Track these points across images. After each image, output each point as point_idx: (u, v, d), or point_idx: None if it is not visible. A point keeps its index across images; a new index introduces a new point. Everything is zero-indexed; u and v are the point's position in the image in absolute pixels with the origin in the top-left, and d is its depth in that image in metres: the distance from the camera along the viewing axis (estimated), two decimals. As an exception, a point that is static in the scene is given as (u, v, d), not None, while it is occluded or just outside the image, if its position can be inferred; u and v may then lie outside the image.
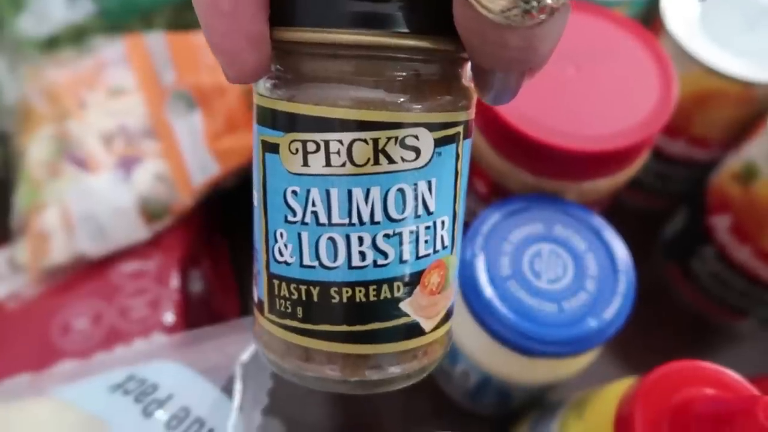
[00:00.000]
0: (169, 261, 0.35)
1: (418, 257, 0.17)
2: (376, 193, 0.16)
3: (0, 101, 0.41)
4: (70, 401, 0.25)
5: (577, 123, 0.28)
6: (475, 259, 0.27)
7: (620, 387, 0.26)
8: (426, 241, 0.17)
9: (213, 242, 0.40)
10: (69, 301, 0.33)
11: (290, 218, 0.17)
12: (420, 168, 0.16)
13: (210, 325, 0.30)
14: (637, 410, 0.22)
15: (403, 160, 0.16)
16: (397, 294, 0.17)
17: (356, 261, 0.17)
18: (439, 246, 0.18)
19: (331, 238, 0.16)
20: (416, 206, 0.17)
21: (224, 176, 0.36)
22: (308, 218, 0.17)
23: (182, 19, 0.43)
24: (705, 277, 0.40)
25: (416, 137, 0.16)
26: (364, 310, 0.17)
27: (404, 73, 0.16)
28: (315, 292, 0.17)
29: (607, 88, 0.30)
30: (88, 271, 0.34)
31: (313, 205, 0.16)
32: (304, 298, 0.17)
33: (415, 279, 0.17)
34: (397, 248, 0.17)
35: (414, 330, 0.18)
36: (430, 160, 0.16)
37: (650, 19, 0.39)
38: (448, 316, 0.19)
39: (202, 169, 0.36)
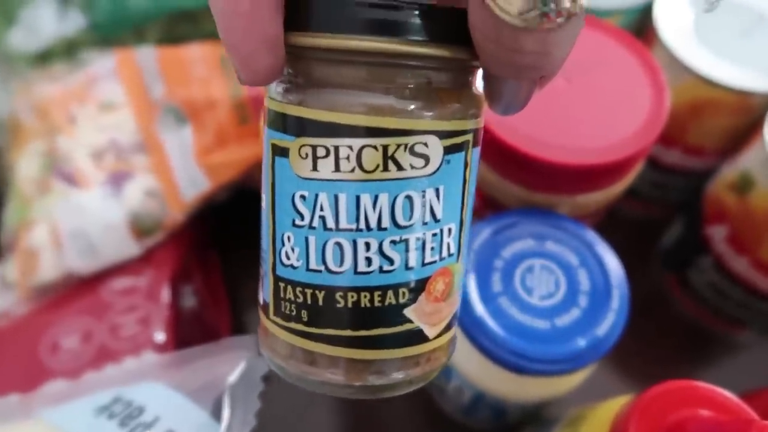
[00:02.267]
0: (161, 277, 0.35)
1: (423, 264, 0.17)
2: (384, 200, 0.16)
3: (-10, 116, 0.41)
4: (56, 424, 0.25)
5: (569, 136, 0.28)
6: (466, 276, 0.27)
7: (615, 405, 0.25)
8: (432, 248, 0.17)
9: (205, 257, 0.40)
10: (58, 318, 0.33)
11: (298, 222, 0.17)
12: (429, 175, 0.16)
13: (202, 339, 0.29)
14: (631, 430, 0.21)
15: (412, 167, 0.16)
16: (401, 300, 0.17)
17: (362, 266, 0.17)
18: (445, 253, 0.18)
19: (338, 243, 0.17)
20: (424, 213, 0.17)
21: (215, 191, 0.36)
22: (316, 223, 0.17)
23: (174, 32, 0.43)
24: (703, 287, 0.40)
25: (426, 144, 0.16)
26: (369, 316, 0.17)
27: (415, 81, 0.16)
28: (320, 296, 0.17)
29: (598, 101, 0.29)
30: (78, 288, 0.34)
31: (321, 209, 0.16)
32: (309, 301, 0.17)
33: (421, 286, 0.17)
34: (404, 255, 0.17)
35: (417, 337, 0.18)
36: (438, 167, 0.17)
37: (643, 29, 0.38)
38: (452, 323, 0.19)
39: (193, 184, 0.35)
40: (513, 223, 0.29)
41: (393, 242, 0.16)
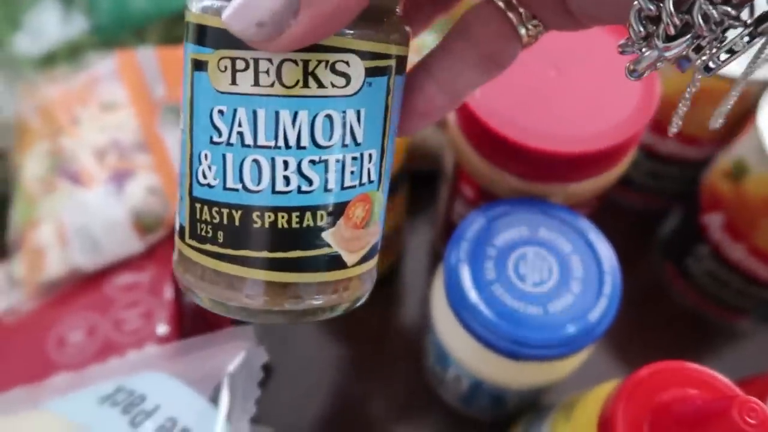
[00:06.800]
0: (163, 273, 0.35)
1: (343, 187, 0.17)
2: (303, 117, 0.16)
3: (-3, 119, 0.42)
4: (61, 413, 0.26)
5: (560, 125, 0.28)
6: (460, 264, 0.27)
7: (607, 388, 0.26)
8: (352, 172, 0.17)
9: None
10: (64, 314, 0.33)
11: (215, 139, 0.17)
12: (349, 96, 0.16)
13: (204, 333, 0.30)
14: (619, 411, 0.22)
15: (332, 85, 0.16)
16: (320, 223, 0.17)
17: (280, 186, 0.17)
18: (365, 179, 0.18)
19: (255, 161, 0.16)
20: (344, 135, 0.17)
21: (215, 187, 0.37)
22: (234, 139, 0.16)
23: (174, 33, 0.44)
24: (701, 276, 0.40)
25: (347, 63, 0.16)
26: (286, 237, 0.17)
27: None
28: (237, 215, 0.17)
29: (588, 89, 0.30)
30: (82, 285, 0.35)
31: (240, 125, 0.16)
32: (225, 221, 0.17)
33: (340, 210, 0.17)
34: (322, 176, 0.17)
35: (335, 262, 0.18)
36: (360, 89, 0.17)
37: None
38: (371, 254, 0.19)
39: (194, 180, 0.36)
40: (506, 211, 0.29)
41: (312, 162, 0.16)
